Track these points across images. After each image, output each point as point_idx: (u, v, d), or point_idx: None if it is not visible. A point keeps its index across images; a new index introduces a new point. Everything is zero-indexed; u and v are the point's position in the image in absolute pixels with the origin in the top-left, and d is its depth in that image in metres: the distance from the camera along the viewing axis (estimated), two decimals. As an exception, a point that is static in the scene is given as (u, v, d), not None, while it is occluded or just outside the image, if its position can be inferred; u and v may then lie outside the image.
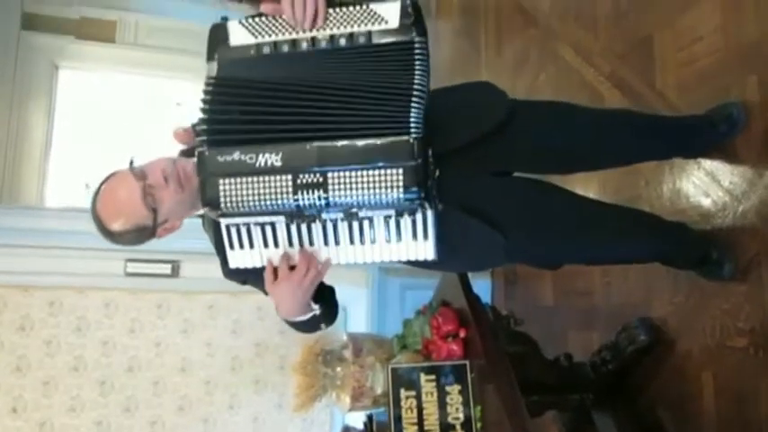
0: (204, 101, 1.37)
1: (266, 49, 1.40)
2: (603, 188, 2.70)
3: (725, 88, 2.10)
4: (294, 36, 1.40)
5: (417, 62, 1.35)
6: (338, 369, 2.15)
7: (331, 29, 1.40)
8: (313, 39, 1.39)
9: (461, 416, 1.93)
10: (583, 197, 2.03)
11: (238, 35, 1.43)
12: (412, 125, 1.31)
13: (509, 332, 2.42)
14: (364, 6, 1.41)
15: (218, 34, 1.44)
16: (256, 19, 1.43)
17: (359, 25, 1.39)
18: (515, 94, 1.80)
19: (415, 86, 1.33)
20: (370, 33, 1.38)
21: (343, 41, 1.39)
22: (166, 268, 4.01)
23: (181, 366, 4.03)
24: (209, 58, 1.42)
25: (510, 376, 1.95)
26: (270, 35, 1.41)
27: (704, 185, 2.18)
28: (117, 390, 3.93)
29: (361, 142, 1.31)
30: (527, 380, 2.03)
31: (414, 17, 1.38)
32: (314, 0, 1.39)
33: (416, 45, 1.36)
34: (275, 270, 1.47)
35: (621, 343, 2.40)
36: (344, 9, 1.41)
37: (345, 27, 1.40)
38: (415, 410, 1.96)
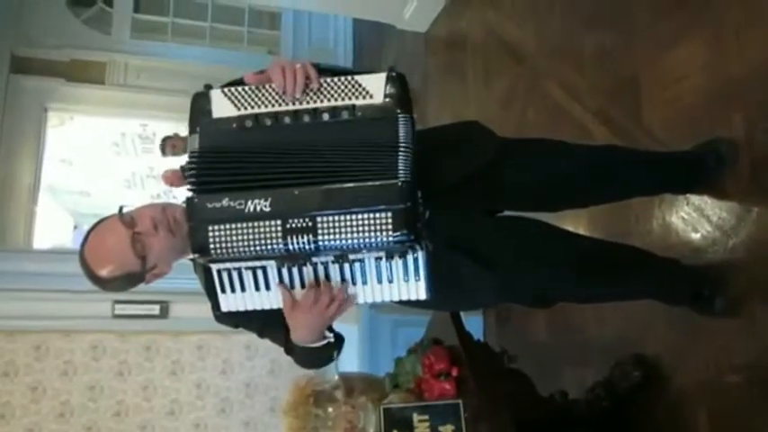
0: (190, 172, 1.38)
1: (248, 123, 1.38)
2: (593, 224, 2.70)
3: (711, 125, 2.12)
4: (277, 109, 1.38)
5: (401, 128, 1.35)
6: (329, 410, 2.12)
7: (314, 101, 1.38)
8: (295, 112, 1.37)
9: (456, 457, 1.91)
10: (574, 234, 2.03)
11: (221, 106, 1.40)
12: (400, 168, 1.32)
13: (502, 369, 2.40)
14: (349, 78, 1.40)
15: (200, 105, 1.41)
16: (239, 89, 1.41)
17: (342, 98, 1.38)
18: (504, 130, 1.81)
19: (401, 138, 1.34)
20: (353, 107, 1.37)
21: (326, 116, 1.37)
22: (155, 309, 3.98)
23: (170, 409, 3.97)
24: (191, 130, 1.40)
25: (504, 415, 1.93)
26: (253, 107, 1.39)
27: (693, 221, 2.19)
28: (104, 436, 3.87)
29: (349, 186, 1.32)
30: (521, 418, 2.01)
31: (398, 91, 1.37)
32: (303, 69, 1.38)
33: (400, 121, 1.35)
34: (292, 298, 1.44)
35: (615, 379, 2.39)
36: (329, 80, 1.40)
37: (329, 100, 1.38)
38: (408, 452, 1.93)
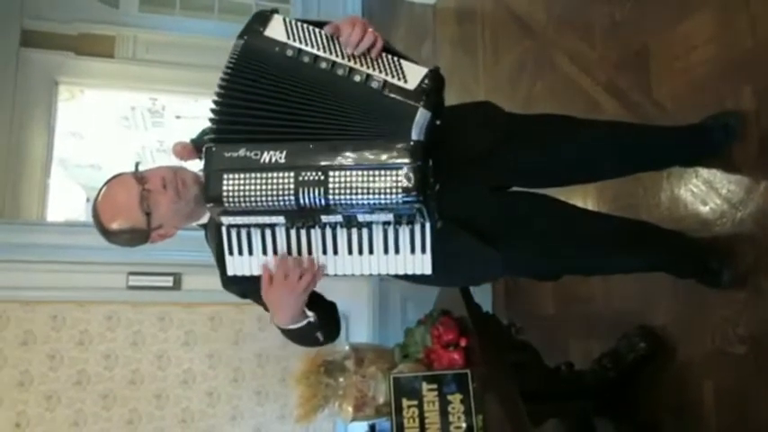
0: (226, 72, 1.44)
1: (289, 52, 1.45)
2: (601, 196, 2.71)
3: (720, 97, 2.11)
4: (319, 53, 1.45)
5: (417, 119, 1.38)
6: (340, 379, 2.16)
7: (354, 63, 1.44)
8: (333, 63, 1.43)
9: (463, 425, 1.94)
10: (582, 209, 2.04)
11: (275, 29, 1.48)
12: (414, 129, 1.36)
13: (510, 341, 2.43)
14: (395, 59, 1.46)
15: (258, 20, 1.50)
16: (300, 24, 1.49)
17: (380, 71, 1.43)
18: (513, 102, 1.82)
19: (414, 130, 1.37)
20: (385, 83, 1.41)
21: (357, 78, 1.42)
22: (168, 281, 4.03)
23: (183, 379, 4.04)
24: (240, 36, 1.48)
25: (511, 385, 1.96)
26: (301, 43, 1.46)
27: (702, 193, 2.19)
28: (120, 403, 3.95)
29: (363, 143, 1.36)
30: (528, 388, 2.04)
31: (431, 88, 1.41)
32: (374, 35, 1.44)
33: (419, 112, 1.38)
34: (271, 275, 1.48)
35: (622, 350, 2.41)
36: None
37: (368, 67, 1.44)
38: (417, 420, 1.97)
